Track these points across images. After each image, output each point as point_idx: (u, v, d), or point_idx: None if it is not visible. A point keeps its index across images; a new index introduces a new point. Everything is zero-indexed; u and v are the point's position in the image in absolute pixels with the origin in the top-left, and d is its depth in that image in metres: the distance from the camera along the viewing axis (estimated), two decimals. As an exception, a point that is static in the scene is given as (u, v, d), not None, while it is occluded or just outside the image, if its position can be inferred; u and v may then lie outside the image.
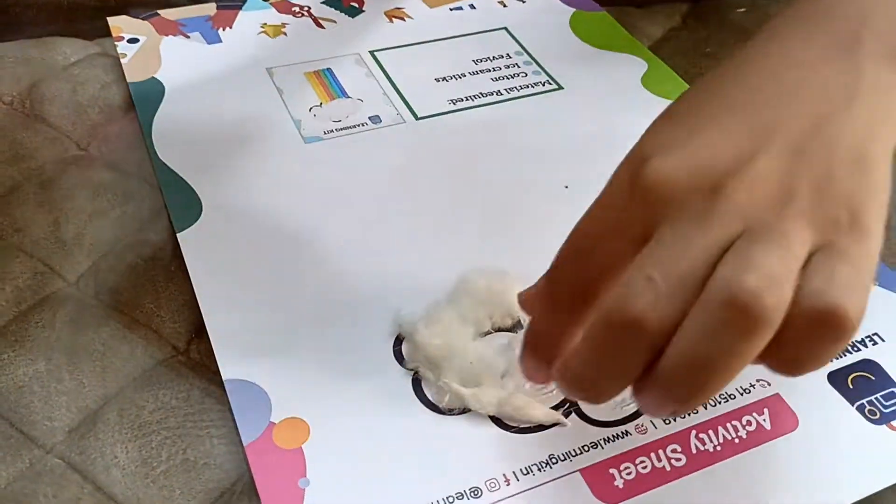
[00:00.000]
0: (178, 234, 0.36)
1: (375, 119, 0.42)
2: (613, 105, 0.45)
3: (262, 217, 0.37)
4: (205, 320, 0.33)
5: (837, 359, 0.33)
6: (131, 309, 0.34)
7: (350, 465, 0.29)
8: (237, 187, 0.38)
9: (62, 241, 0.37)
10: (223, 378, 0.31)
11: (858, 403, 0.32)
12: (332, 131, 0.41)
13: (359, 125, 0.42)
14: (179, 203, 0.37)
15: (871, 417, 0.31)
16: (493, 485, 0.28)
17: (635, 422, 0.31)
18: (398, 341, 0.32)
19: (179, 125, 0.41)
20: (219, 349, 0.31)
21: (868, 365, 0.33)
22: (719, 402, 0.31)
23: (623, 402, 0.31)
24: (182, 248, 0.35)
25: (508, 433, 0.30)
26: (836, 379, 0.33)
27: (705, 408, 0.31)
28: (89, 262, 0.36)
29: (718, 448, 0.30)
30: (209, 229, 0.36)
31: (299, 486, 0.28)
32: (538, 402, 0.31)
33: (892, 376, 0.33)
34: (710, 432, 0.30)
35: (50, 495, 0.29)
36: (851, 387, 0.33)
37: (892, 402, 0.32)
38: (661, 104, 0.45)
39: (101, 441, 0.30)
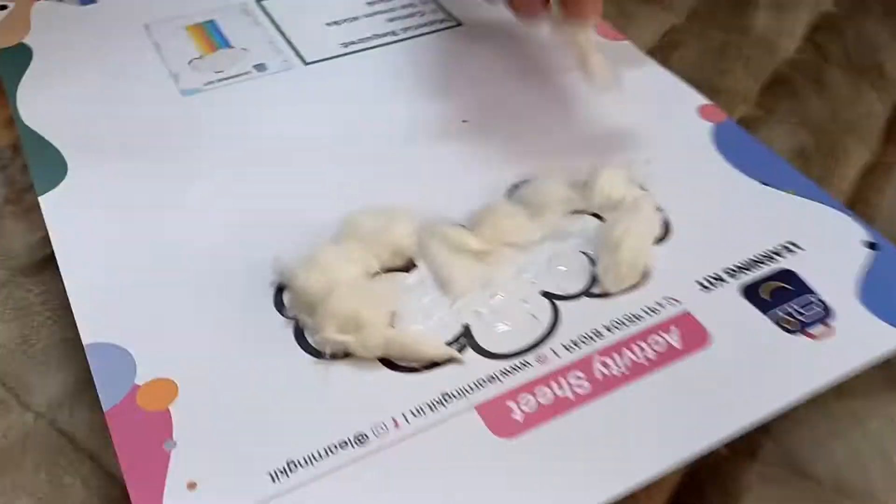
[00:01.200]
0: (39, 198, 0.33)
1: (260, 67, 0.40)
2: (515, 39, 0.43)
3: (133, 174, 0.34)
4: (65, 284, 0.30)
5: (751, 271, 0.31)
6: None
7: (223, 423, 0.26)
8: (106, 147, 0.35)
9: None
10: (83, 343, 0.28)
11: (773, 314, 0.30)
12: (212, 82, 0.39)
13: (242, 74, 0.39)
14: (42, 166, 0.34)
15: (788, 327, 0.30)
16: (380, 429, 0.26)
17: (536, 351, 0.28)
18: (280, 290, 0.30)
19: (47, 88, 0.38)
20: (79, 313, 0.29)
21: (784, 275, 0.31)
22: (623, 325, 0.29)
23: (522, 330, 0.29)
24: (43, 212, 0.32)
25: (398, 374, 0.28)
26: (750, 292, 0.31)
27: (609, 331, 0.29)
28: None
29: (626, 371, 0.28)
30: (73, 191, 0.33)
31: (164, 448, 0.25)
32: (429, 338, 0.28)
33: (810, 285, 0.31)
34: (615, 355, 0.28)
35: None
36: (766, 298, 0.31)
37: (809, 309, 0.30)
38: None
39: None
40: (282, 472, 0.25)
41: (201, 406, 0.26)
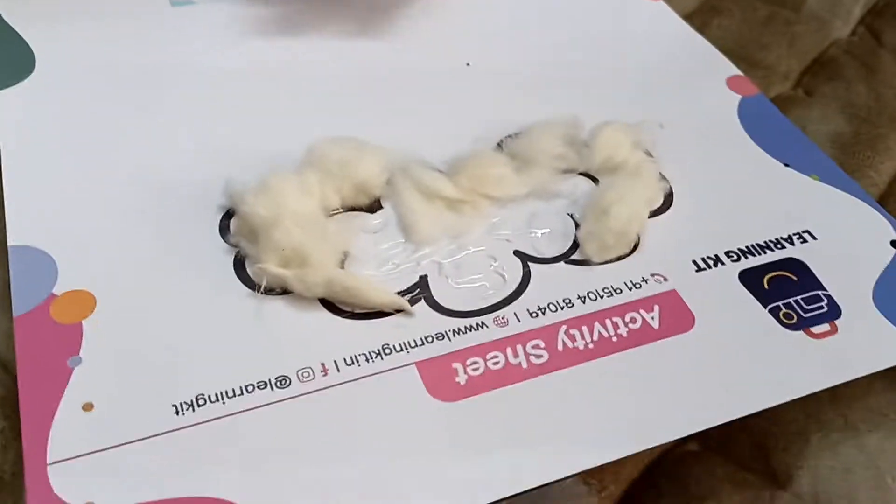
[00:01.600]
0: (-3, 91, 0.31)
1: (261, -15, 0.37)
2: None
3: (102, 82, 0.32)
4: (3, 181, 0.28)
5: (754, 256, 0.28)
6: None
7: (136, 345, 0.24)
8: (80, 50, 0.33)
9: None
10: (8, 244, 0.26)
11: (773, 305, 0.27)
12: (207, -5, 0.36)
13: (239, -9, 0.37)
14: (8, 60, 0.32)
15: (787, 322, 0.26)
16: (306, 374, 0.24)
17: (496, 313, 0.26)
18: (228, 216, 0.28)
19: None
20: (10, 212, 0.27)
21: (792, 264, 0.28)
22: (599, 297, 0.26)
23: (485, 289, 0.26)
24: (-3, 106, 0.30)
25: (339, 318, 0.25)
26: (750, 277, 0.27)
27: (583, 301, 0.26)
28: None
29: (590, 346, 0.25)
30: (35, 91, 0.31)
31: (68, 364, 0.23)
32: (378, 283, 0.26)
33: (820, 279, 0.28)
34: (585, 328, 0.25)
35: None
36: (768, 287, 0.27)
37: (815, 306, 0.27)
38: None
39: None
40: (188, 406, 0.22)
41: (117, 324, 0.24)
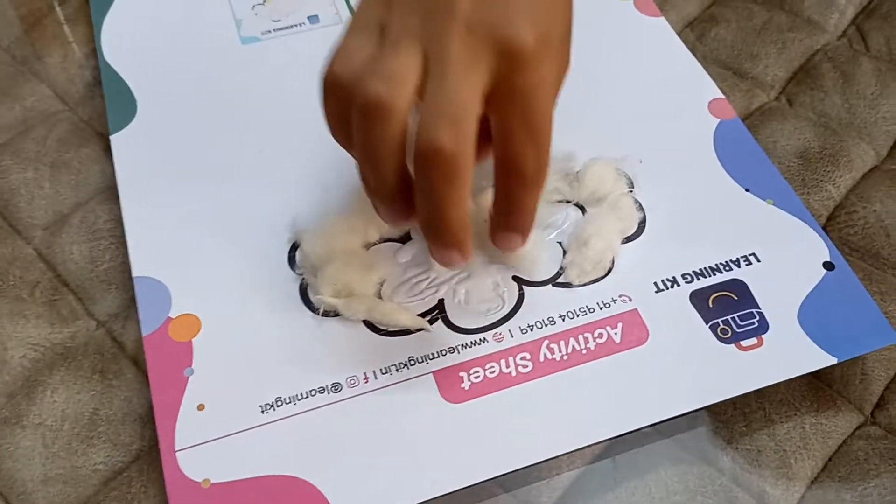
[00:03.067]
0: (110, 136, 0.39)
1: (314, 19, 0.44)
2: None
3: (190, 122, 0.40)
4: (123, 215, 0.37)
5: (705, 278, 0.35)
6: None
7: (231, 359, 0.33)
8: (171, 91, 0.41)
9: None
10: (132, 275, 0.35)
11: (712, 322, 0.34)
12: (269, 31, 0.43)
13: (296, 25, 0.44)
14: (116, 105, 0.40)
15: (722, 336, 0.34)
16: (353, 381, 0.32)
17: (495, 330, 0.34)
18: (294, 248, 0.36)
19: (126, 28, 0.43)
20: (132, 247, 0.36)
21: (734, 285, 0.35)
22: (577, 315, 0.34)
23: (489, 310, 0.34)
24: (112, 150, 0.39)
25: (377, 336, 0.34)
26: (697, 298, 0.35)
27: (563, 319, 0.34)
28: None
29: (565, 357, 0.33)
30: (139, 133, 0.39)
31: (185, 374, 0.32)
32: (406, 309, 0.34)
33: (756, 298, 0.35)
34: (562, 342, 0.33)
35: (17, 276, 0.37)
36: (711, 306, 0.35)
37: (748, 322, 0.34)
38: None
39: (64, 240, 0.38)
40: (269, 406, 0.32)
41: (217, 342, 0.33)
